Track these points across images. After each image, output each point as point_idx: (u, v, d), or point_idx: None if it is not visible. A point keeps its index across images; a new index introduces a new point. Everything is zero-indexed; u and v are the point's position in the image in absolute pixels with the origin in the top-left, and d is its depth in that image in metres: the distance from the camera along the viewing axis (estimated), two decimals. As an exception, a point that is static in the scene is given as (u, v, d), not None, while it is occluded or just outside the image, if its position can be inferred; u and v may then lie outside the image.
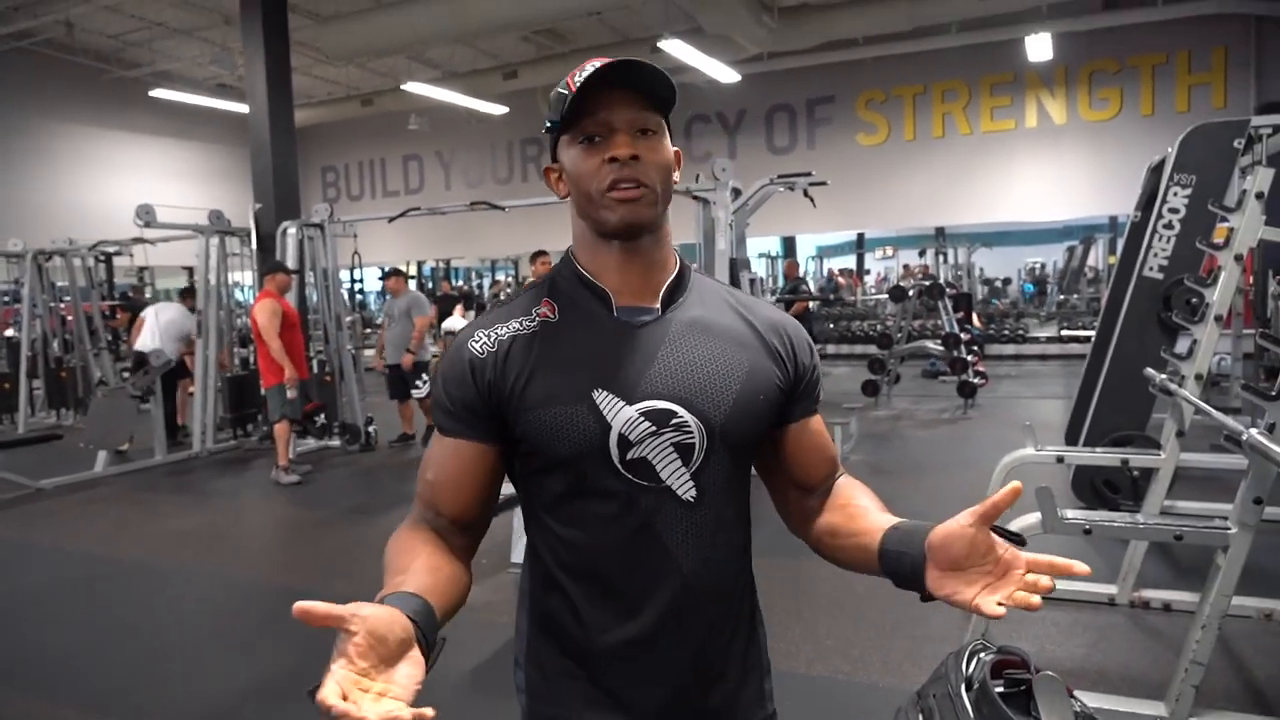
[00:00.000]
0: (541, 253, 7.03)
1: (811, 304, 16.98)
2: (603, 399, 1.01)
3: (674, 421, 1.02)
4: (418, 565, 0.98)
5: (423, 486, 1.08)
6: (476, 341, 1.06)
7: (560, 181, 1.10)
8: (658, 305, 1.08)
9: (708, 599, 1.06)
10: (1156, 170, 5.14)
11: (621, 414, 1.01)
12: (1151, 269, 4.58)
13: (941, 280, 10.51)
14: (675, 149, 1.09)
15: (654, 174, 1.03)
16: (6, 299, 10.43)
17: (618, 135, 1.01)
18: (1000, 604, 0.89)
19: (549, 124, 1.07)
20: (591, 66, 1.00)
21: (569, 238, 1.12)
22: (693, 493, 1.03)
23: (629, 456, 1.01)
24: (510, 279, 20.91)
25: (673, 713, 1.07)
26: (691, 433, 1.02)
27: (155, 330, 7.60)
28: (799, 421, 1.14)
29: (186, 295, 8.28)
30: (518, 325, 1.06)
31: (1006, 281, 19.78)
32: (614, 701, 1.06)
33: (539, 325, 1.06)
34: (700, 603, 1.05)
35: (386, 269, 10.47)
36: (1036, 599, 0.88)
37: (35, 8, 11.29)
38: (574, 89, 1.00)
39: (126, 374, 8.32)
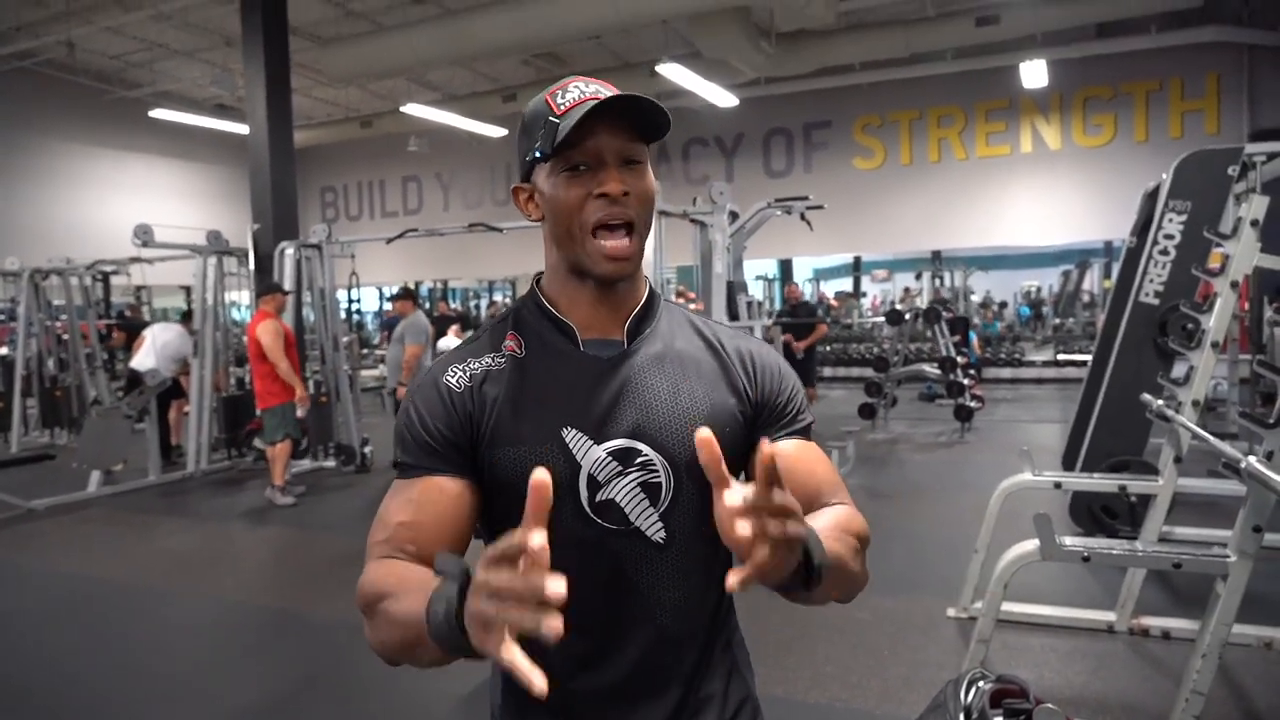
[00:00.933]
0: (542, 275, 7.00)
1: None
2: (571, 437, 0.98)
3: (639, 460, 0.99)
4: (422, 575, 0.88)
5: (395, 531, 0.97)
6: (451, 375, 1.02)
7: (531, 203, 1.05)
8: (623, 337, 1.05)
9: (685, 643, 1.04)
10: (1152, 196, 5.17)
11: (590, 453, 0.98)
12: (1147, 294, 4.59)
13: (937, 303, 10.54)
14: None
15: (640, 209, 0.99)
16: (2, 317, 10.40)
17: (608, 169, 0.97)
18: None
19: (536, 153, 1.00)
20: (576, 89, 0.98)
21: None
22: (662, 534, 1.00)
23: (598, 498, 0.98)
24: (507, 300, 20.94)
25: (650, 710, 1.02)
26: (657, 471, 1.00)
27: (153, 350, 7.60)
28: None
29: (187, 319, 8.27)
30: (489, 361, 1.03)
31: (1003, 305, 19.87)
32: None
33: (507, 360, 1.03)
34: (677, 648, 1.03)
35: (393, 290, 10.47)
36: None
37: (37, 28, 11.35)
38: (558, 111, 0.96)
39: (121, 393, 8.29)
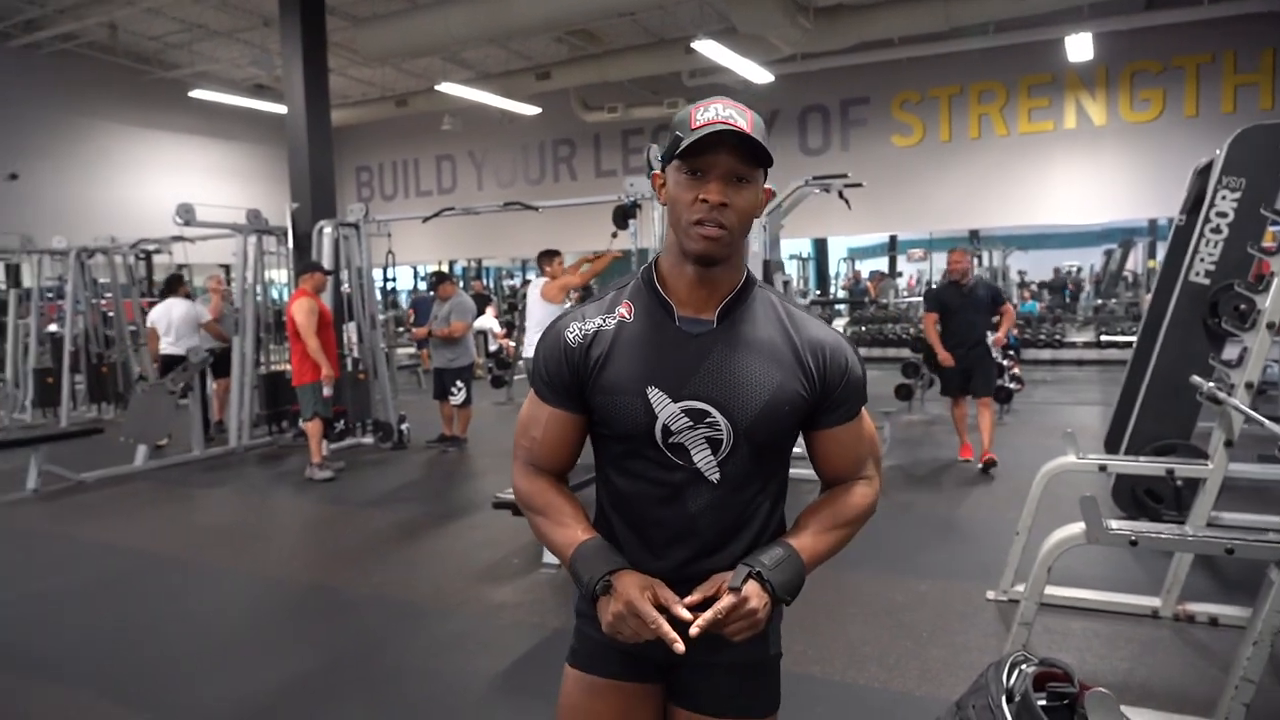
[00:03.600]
0: (554, 252, 6.97)
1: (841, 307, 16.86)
2: (654, 394, 1.25)
3: (707, 420, 1.25)
4: (570, 511, 1.33)
5: (527, 442, 1.37)
6: (571, 331, 1.31)
7: (662, 190, 1.29)
8: (714, 318, 1.28)
9: (720, 559, 1.29)
10: (1203, 173, 5.02)
11: (666, 409, 1.25)
12: (1198, 274, 4.47)
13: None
14: (767, 188, 1.29)
15: (735, 218, 1.21)
16: (50, 295, 10.63)
17: (714, 182, 1.20)
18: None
19: (665, 156, 1.27)
20: (715, 110, 1.20)
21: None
22: (717, 475, 1.27)
23: (670, 441, 1.26)
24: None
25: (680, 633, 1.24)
26: (721, 430, 1.25)
27: (173, 330, 7.63)
28: (822, 430, 1.33)
29: (178, 285, 8.16)
30: (601, 321, 1.30)
31: (1043, 285, 19.49)
32: None
33: (617, 323, 1.30)
34: (713, 561, 1.28)
35: (427, 270, 10.53)
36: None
37: (80, 10, 11.51)
38: (693, 125, 1.20)
39: (152, 376, 8.42)
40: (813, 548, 1.28)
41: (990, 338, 6.25)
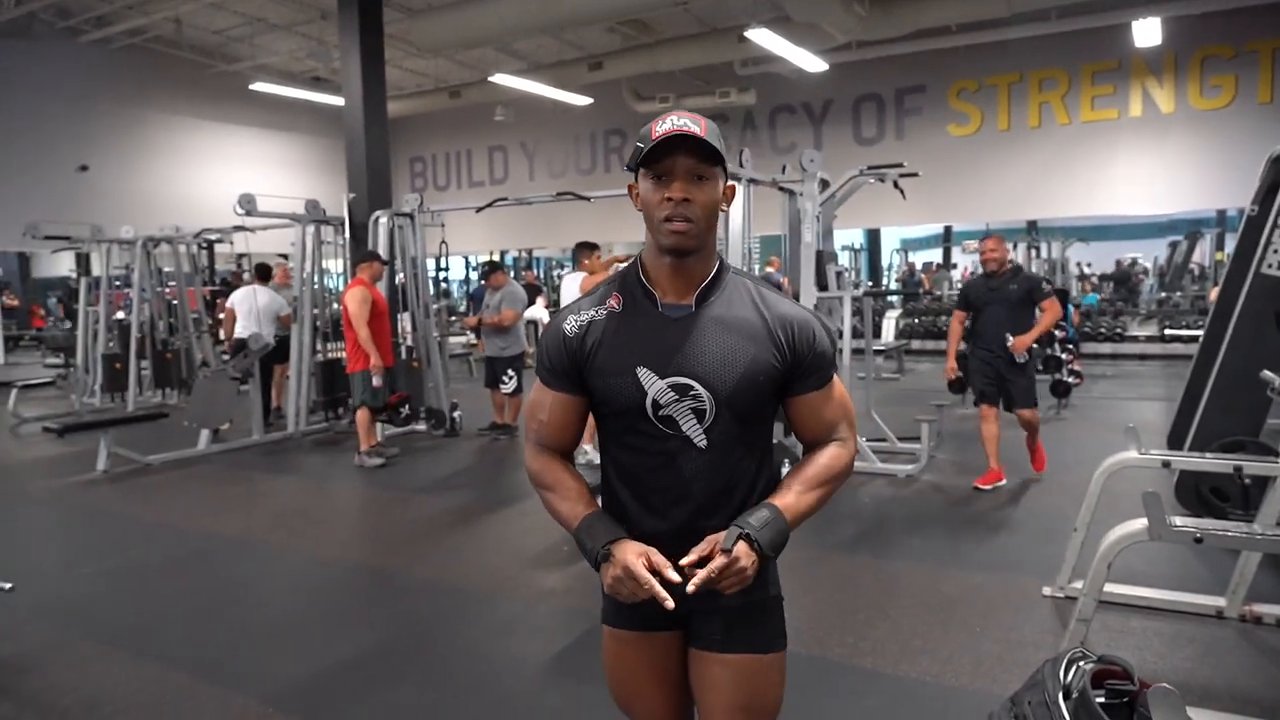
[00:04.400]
0: (592, 245, 6.78)
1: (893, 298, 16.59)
2: (643, 374, 1.42)
3: (691, 393, 1.41)
4: (575, 487, 1.49)
5: (536, 425, 1.54)
6: (568, 323, 1.49)
7: (637, 198, 1.46)
8: (692, 303, 1.44)
9: (715, 516, 1.44)
10: (1277, 161, 4.84)
11: (655, 385, 1.41)
12: (1271, 266, 4.32)
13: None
14: (730, 184, 1.46)
15: (700, 211, 1.39)
16: (117, 283, 10.98)
17: (676, 181, 1.38)
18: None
19: (631, 166, 1.43)
20: (670, 121, 1.37)
21: (644, 228, 1.45)
22: (704, 442, 1.43)
23: (660, 414, 1.42)
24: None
25: (683, 585, 1.37)
26: (704, 402, 1.41)
27: (255, 314, 7.90)
28: (796, 396, 1.49)
29: (268, 273, 8.49)
30: (594, 313, 1.48)
31: (1104, 278, 18.95)
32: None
33: (607, 313, 1.47)
34: (709, 518, 1.44)
35: (480, 262, 10.65)
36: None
37: (147, 6, 11.86)
38: (653, 136, 1.36)
39: (226, 357, 8.67)
40: (795, 506, 1.42)
41: (1009, 340, 5.30)
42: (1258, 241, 4.46)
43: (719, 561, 1.32)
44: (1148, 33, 10.47)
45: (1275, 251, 4.30)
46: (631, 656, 1.57)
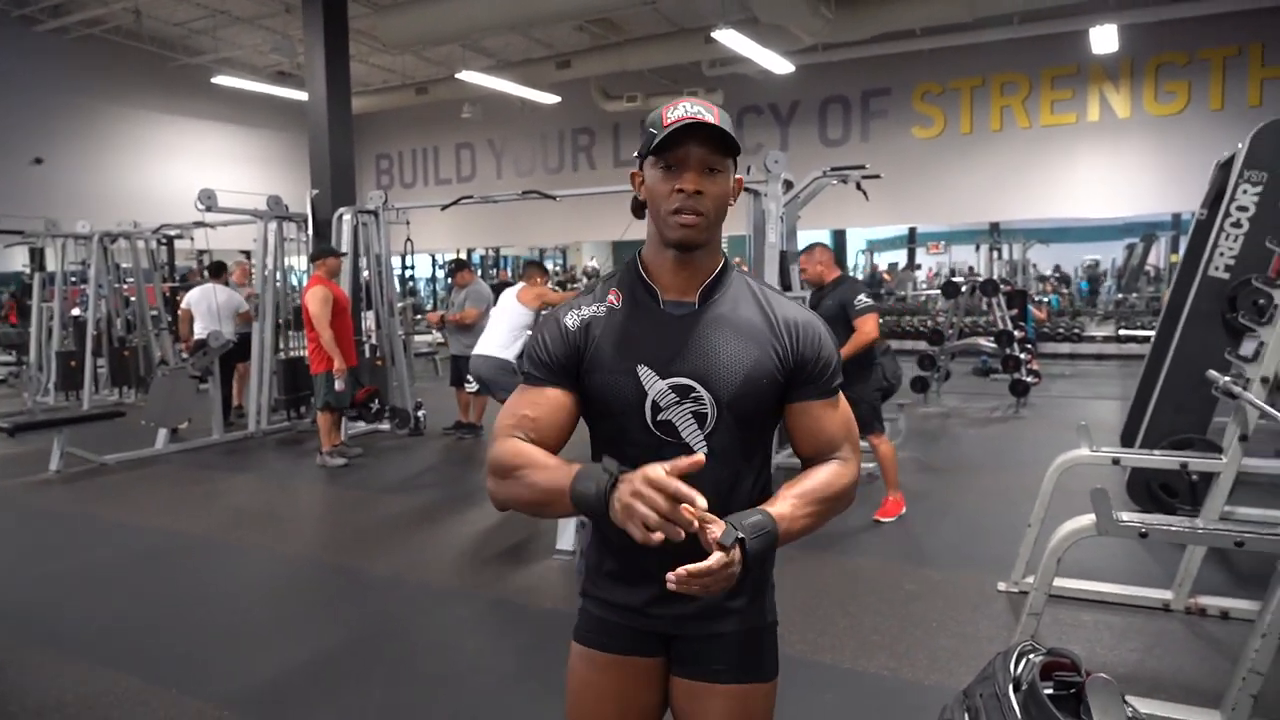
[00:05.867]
0: (542, 268, 6.59)
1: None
2: (643, 372, 1.33)
3: (692, 395, 1.32)
4: (554, 459, 1.30)
5: (520, 420, 1.36)
6: (569, 317, 1.39)
7: (641, 186, 1.37)
8: (695, 300, 1.36)
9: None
10: (1225, 167, 4.98)
11: (655, 385, 1.32)
12: (1217, 268, 4.44)
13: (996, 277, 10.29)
14: (738, 177, 1.38)
15: (710, 205, 1.30)
16: (74, 279, 10.77)
17: (689, 172, 1.28)
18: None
19: (641, 150, 1.34)
20: (684, 108, 1.28)
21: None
22: (704, 449, 1.32)
23: (658, 418, 1.33)
24: (558, 268, 21.03)
25: (681, 605, 1.32)
26: (705, 405, 1.32)
27: (215, 312, 7.78)
28: (798, 403, 1.39)
29: (222, 270, 8.38)
30: (594, 309, 1.38)
31: (1063, 280, 19.33)
32: (630, 585, 1.40)
33: (607, 309, 1.38)
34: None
35: (446, 260, 10.58)
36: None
37: (105, -4, 11.62)
38: (665, 123, 1.27)
39: (186, 355, 8.55)
40: (791, 521, 1.26)
41: None
42: (1206, 245, 4.58)
43: (718, 558, 1.15)
44: (1105, 39, 10.69)
45: (1221, 255, 4.42)
46: (605, 683, 1.43)
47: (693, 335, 1.34)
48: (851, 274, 20.76)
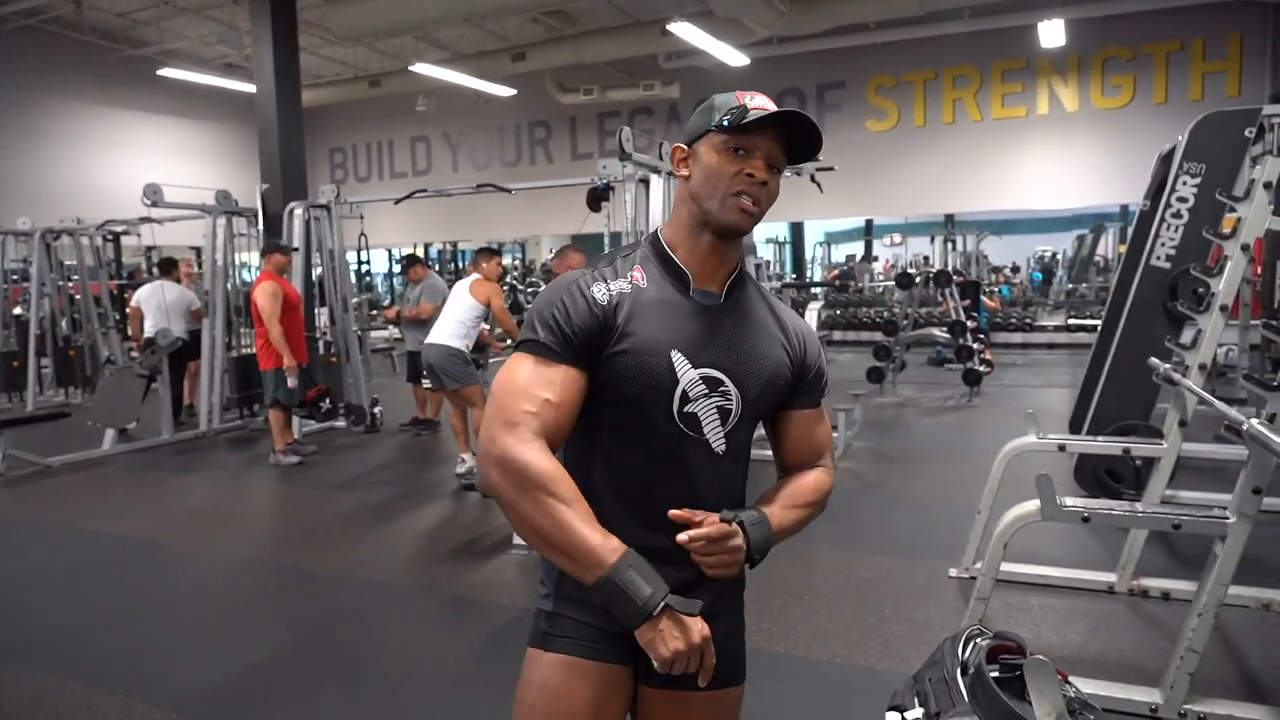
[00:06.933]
0: (492, 251, 6.36)
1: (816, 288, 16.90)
2: (677, 359, 1.27)
3: (720, 389, 1.29)
4: (587, 506, 1.19)
5: (539, 406, 1.21)
6: (596, 288, 1.28)
7: (685, 164, 1.32)
8: (721, 292, 1.33)
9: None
10: (1166, 159, 5.10)
11: (688, 374, 1.27)
12: (1159, 258, 4.56)
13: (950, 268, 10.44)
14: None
15: (766, 199, 1.28)
16: (15, 278, 10.45)
17: (759, 160, 1.26)
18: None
19: (723, 122, 1.26)
20: (761, 98, 1.27)
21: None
22: (723, 447, 1.31)
23: (685, 410, 1.28)
24: (517, 261, 20.90)
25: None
26: (731, 400, 1.30)
27: (164, 310, 7.61)
28: (795, 410, 1.40)
29: (173, 267, 8.20)
30: (624, 284, 1.29)
31: (1015, 270, 19.69)
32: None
33: (633, 288, 1.29)
34: None
35: (403, 255, 10.44)
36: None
37: (44, -15, 11.27)
38: (748, 106, 1.25)
39: (134, 354, 8.35)
40: (780, 519, 1.30)
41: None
42: (1148, 235, 4.70)
43: (721, 526, 1.19)
44: (1053, 33, 10.89)
45: (1163, 245, 4.53)
46: (582, 691, 1.30)
47: (723, 328, 1.30)
48: (810, 265, 20.96)
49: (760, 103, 1.26)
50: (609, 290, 1.27)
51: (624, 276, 1.30)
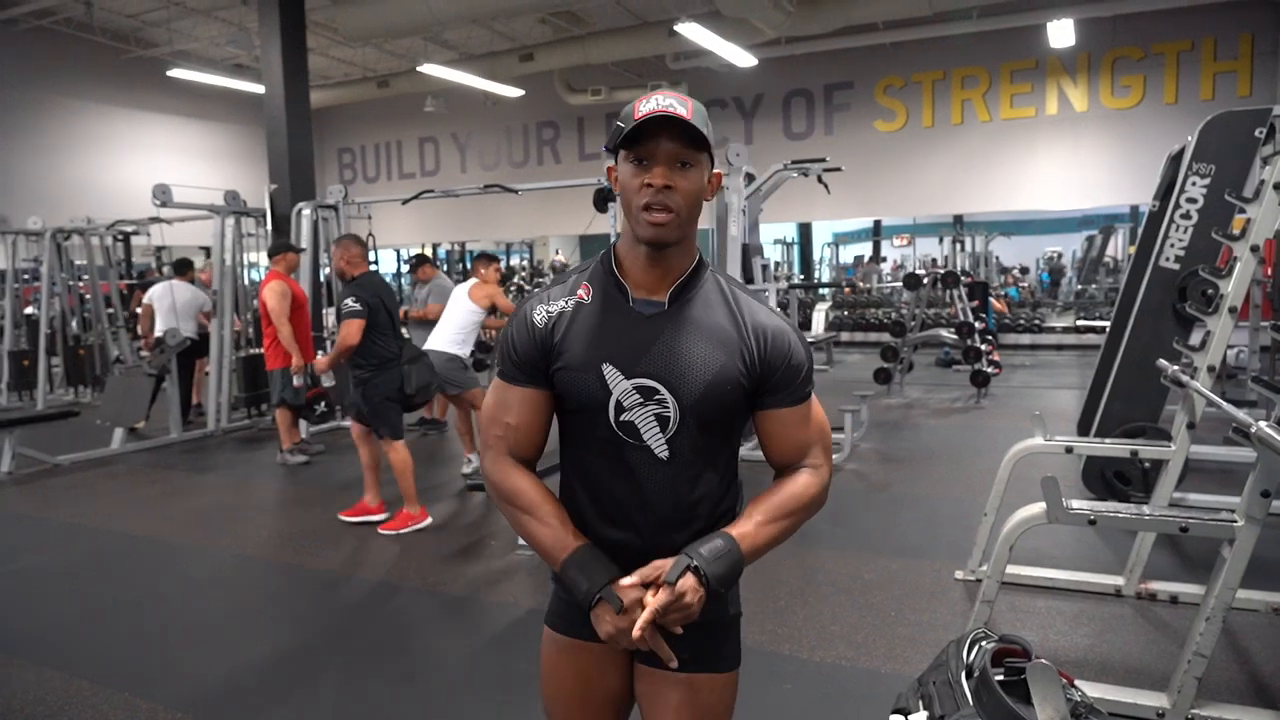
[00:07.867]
0: (491, 257, 6.29)
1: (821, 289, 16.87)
2: (608, 371, 1.31)
3: (656, 398, 1.31)
4: (553, 509, 1.35)
5: (501, 430, 1.38)
6: (538, 313, 1.36)
7: (616, 181, 1.35)
8: (666, 300, 1.34)
9: (679, 529, 1.36)
10: (1176, 159, 5.07)
11: (620, 385, 1.31)
12: (1168, 259, 4.52)
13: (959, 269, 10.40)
14: (717, 172, 1.35)
15: (682, 200, 1.27)
16: (26, 277, 10.51)
17: (658, 166, 1.26)
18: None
19: (611, 141, 1.30)
20: (655, 101, 1.25)
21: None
22: (666, 453, 1.33)
23: (621, 419, 1.32)
24: (525, 262, 20.93)
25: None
26: (668, 408, 1.31)
27: (174, 311, 7.63)
28: (767, 411, 1.38)
29: (187, 268, 8.24)
30: (563, 303, 1.36)
31: (1024, 271, 19.62)
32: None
33: (575, 305, 1.36)
34: (672, 531, 1.35)
35: (411, 255, 10.45)
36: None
37: (55, -14, 11.33)
38: (636, 116, 1.25)
39: (144, 354, 8.38)
40: (754, 538, 1.32)
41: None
42: (1157, 236, 4.66)
43: (662, 597, 1.24)
44: (1062, 34, 10.85)
45: (1172, 246, 4.50)
46: (571, 667, 1.45)
47: (660, 337, 1.31)
48: (818, 266, 20.91)
49: (652, 106, 1.25)
50: (548, 313, 1.36)
51: (573, 294, 1.37)
